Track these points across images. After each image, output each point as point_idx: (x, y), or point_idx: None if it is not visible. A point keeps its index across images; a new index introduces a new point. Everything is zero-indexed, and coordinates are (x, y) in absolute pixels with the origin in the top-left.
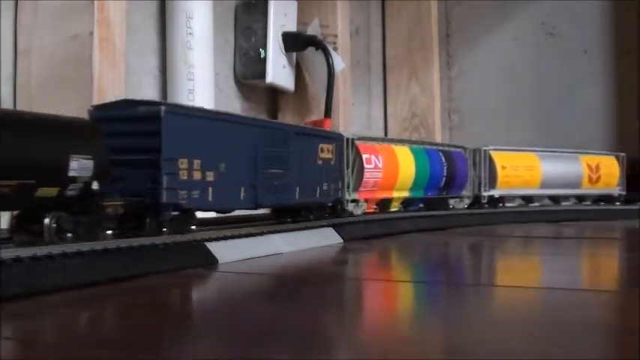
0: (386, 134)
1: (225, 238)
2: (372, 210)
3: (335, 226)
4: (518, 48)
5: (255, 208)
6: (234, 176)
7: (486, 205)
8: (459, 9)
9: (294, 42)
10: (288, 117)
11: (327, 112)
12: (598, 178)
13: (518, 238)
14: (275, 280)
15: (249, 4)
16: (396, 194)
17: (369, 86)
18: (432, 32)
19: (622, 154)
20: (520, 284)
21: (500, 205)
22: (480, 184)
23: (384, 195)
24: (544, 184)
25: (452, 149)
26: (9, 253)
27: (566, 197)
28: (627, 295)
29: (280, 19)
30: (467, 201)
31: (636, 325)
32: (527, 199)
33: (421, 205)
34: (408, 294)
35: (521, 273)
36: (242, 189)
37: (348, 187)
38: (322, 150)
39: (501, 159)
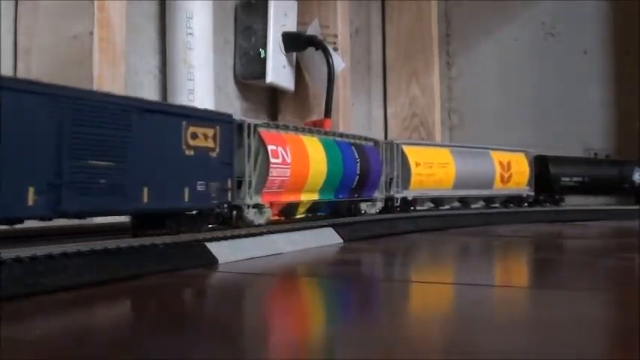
0: (386, 134)
1: (225, 238)
2: (276, 217)
3: (335, 226)
4: (518, 48)
5: (60, 217)
6: (14, 171)
7: (398, 209)
8: (459, 9)
9: (294, 42)
10: (288, 117)
11: (327, 112)
12: (509, 177)
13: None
14: (275, 280)
15: (249, 4)
16: (304, 197)
17: (369, 86)
18: (432, 32)
19: (531, 150)
20: None
21: (412, 208)
22: (390, 184)
23: (290, 198)
24: (456, 184)
25: (364, 142)
26: (9, 253)
27: (476, 199)
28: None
29: (280, 19)
30: (379, 205)
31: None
32: (438, 201)
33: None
34: (409, 293)
35: None
36: (31, 190)
37: (250, 188)
38: (193, 135)
39: (414, 155)
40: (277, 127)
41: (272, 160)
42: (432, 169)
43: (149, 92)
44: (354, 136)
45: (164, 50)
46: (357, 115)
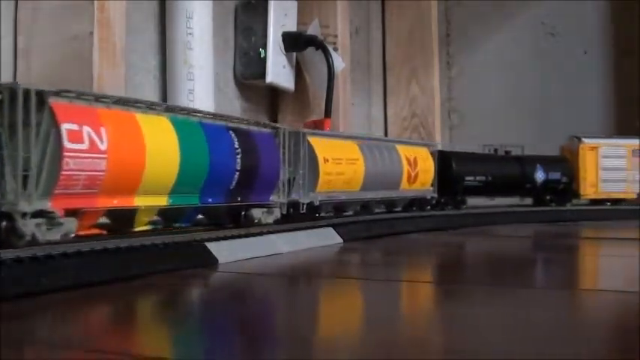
0: (386, 134)
1: (225, 238)
2: (89, 231)
3: (335, 226)
4: (518, 48)
5: None
6: None
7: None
8: (459, 9)
9: (294, 42)
10: (288, 117)
11: (327, 112)
12: (416, 176)
13: None
14: (275, 280)
15: (249, 4)
16: (141, 202)
17: (369, 86)
18: (432, 32)
19: (436, 143)
20: None
21: (317, 215)
22: (291, 185)
23: (115, 203)
24: (365, 185)
25: (254, 128)
26: (9, 253)
27: (381, 202)
28: None
29: (280, 19)
30: (277, 212)
31: None
32: (340, 207)
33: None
34: (405, 293)
35: None
36: None
37: (25, 187)
38: None
39: (323, 148)
40: (86, 97)
41: (67, 144)
42: (342, 166)
43: (149, 92)
44: (237, 119)
45: (164, 50)
46: (357, 115)
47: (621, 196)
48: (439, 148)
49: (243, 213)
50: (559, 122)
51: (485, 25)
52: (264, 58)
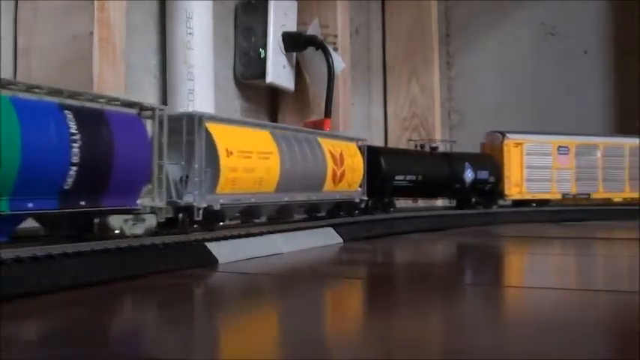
0: (386, 134)
1: (225, 238)
2: None
3: (335, 226)
4: (518, 48)
5: None
6: None
7: (195, 226)
8: (459, 9)
9: (294, 42)
10: (288, 117)
11: (327, 112)
12: (342, 175)
13: None
14: (275, 280)
15: (249, 4)
16: None
17: (369, 86)
18: (432, 32)
19: (363, 139)
20: None
21: (220, 224)
22: (183, 184)
23: None
24: (281, 186)
25: (109, 108)
26: (9, 253)
27: (299, 207)
28: None
29: (280, 19)
30: (151, 220)
31: None
32: (249, 212)
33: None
34: (404, 293)
35: None
36: None
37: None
38: None
39: (225, 137)
40: None
41: None
42: (251, 161)
43: (149, 92)
44: (80, 94)
45: (164, 50)
46: (357, 115)
47: (547, 196)
48: (368, 143)
49: (96, 221)
50: (559, 122)
51: (485, 25)
52: (264, 58)
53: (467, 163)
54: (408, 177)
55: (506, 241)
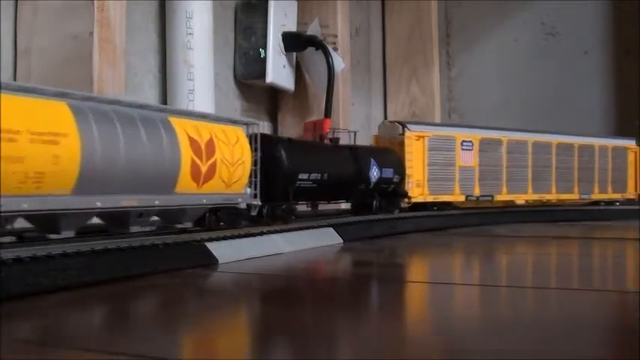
0: None
1: (225, 238)
2: None
3: (335, 226)
4: (518, 48)
5: None
6: None
7: None
8: (459, 9)
9: (294, 42)
10: (288, 117)
11: (327, 112)
12: (211, 171)
13: None
14: (275, 280)
15: (249, 4)
16: None
17: (369, 86)
18: (432, 32)
19: (253, 122)
20: None
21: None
22: None
23: None
24: (85, 185)
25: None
26: (9, 253)
27: (146, 214)
28: None
29: (280, 19)
30: None
31: None
32: (45, 221)
33: None
34: (403, 293)
35: None
36: None
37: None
38: None
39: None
40: None
41: None
42: (17, 146)
43: (149, 92)
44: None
45: (164, 50)
46: (357, 115)
47: (450, 198)
48: (265, 130)
49: None
50: (559, 122)
51: (485, 25)
52: (264, 58)
53: (372, 159)
54: (313, 176)
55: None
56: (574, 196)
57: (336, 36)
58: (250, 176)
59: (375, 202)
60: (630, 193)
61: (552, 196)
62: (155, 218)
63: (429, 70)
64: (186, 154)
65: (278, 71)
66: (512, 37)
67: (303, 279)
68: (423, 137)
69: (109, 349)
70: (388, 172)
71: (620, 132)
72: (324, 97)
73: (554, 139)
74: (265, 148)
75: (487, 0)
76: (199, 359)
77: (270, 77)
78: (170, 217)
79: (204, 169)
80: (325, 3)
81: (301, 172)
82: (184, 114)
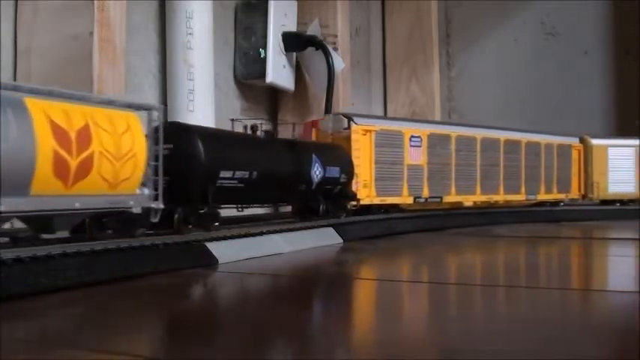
0: None
1: (225, 238)
2: None
3: (335, 226)
4: (518, 48)
5: None
6: None
7: None
8: (459, 9)
9: (294, 42)
10: (287, 117)
11: (327, 112)
12: (86, 166)
13: None
14: (275, 280)
15: (249, 4)
16: None
17: (369, 86)
18: (432, 32)
19: (153, 106)
20: None
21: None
22: None
23: None
24: None
25: None
26: (9, 253)
27: None
28: None
29: (280, 19)
30: None
31: None
32: None
33: None
34: (405, 293)
35: None
36: None
37: None
38: None
39: None
40: None
41: None
42: None
43: (149, 92)
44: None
45: (164, 50)
46: None
47: (396, 200)
48: (176, 119)
49: None
50: (559, 122)
51: (485, 25)
52: (264, 58)
53: (315, 156)
54: (239, 174)
55: None
56: (521, 197)
57: (336, 36)
58: (156, 174)
59: (321, 206)
60: (574, 193)
61: (500, 197)
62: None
63: (429, 70)
64: (46, 144)
65: (278, 71)
66: (512, 37)
67: (303, 279)
68: (369, 132)
69: (109, 349)
70: (334, 171)
71: (621, 132)
72: (324, 97)
73: (502, 135)
74: (177, 139)
75: (487, 0)
76: (199, 359)
77: (270, 77)
78: (35, 224)
79: (74, 164)
80: (325, 3)
81: (223, 170)
82: (51, 94)
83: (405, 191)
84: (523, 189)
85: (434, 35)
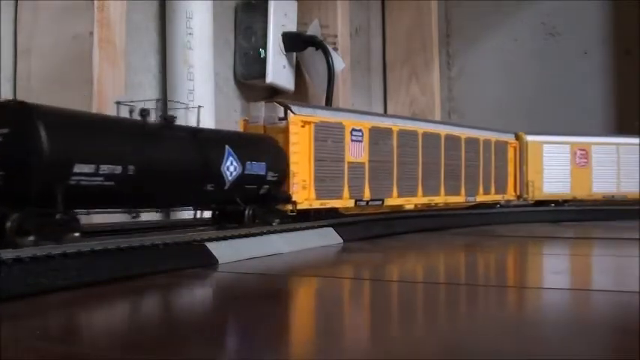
0: None
1: (225, 238)
2: None
3: (335, 226)
4: (518, 48)
5: None
6: None
7: None
8: (459, 9)
9: (294, 42)
10: None
11: None
12: None
13: None
14: (275, 280)
15: (249, 4)
16: None
17: (369, 86)
18: (432, 32)
19: None
20: None
21: None
22: None
23: None
24: None
25: None
26: (9, 253)
27: None
28: None
29: (280, 19)
30: None
31: None
32: None
33: None
34: (404, 293)
35: None
36: None
37: None
38: None
39: None
40: None
41: None
42: None
43: (149, 92)
44: None
45: (164, 50)
46: None
47: (337, 204)
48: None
49: None
50: (559, 122)
51: (485, 25)
52: (264, 58)
53: (228, 149)
54: (105, 169)
55: None
56: (461, 199)
57: (336, 36)
58: None
59: (247, 211)
60: (510, 194)
61: (441, 199)
62: None
63: (429, 70)
64: None
65: (278, 71)
66: (512, 37)
67: (302, 279)
68: (309, 124)
69: (108, 348)
70: (258, 168)
71: (620, 132)
72: (324, 97)
73: (443, 129)
74: (14, 122)
75: (487, 0)
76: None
77: (270, 77)
78: None
79: None
80: (325, 3)
81: (80, 163)
82: None
83: (347, 193)
84: (463, 190)
85: (434, 35)
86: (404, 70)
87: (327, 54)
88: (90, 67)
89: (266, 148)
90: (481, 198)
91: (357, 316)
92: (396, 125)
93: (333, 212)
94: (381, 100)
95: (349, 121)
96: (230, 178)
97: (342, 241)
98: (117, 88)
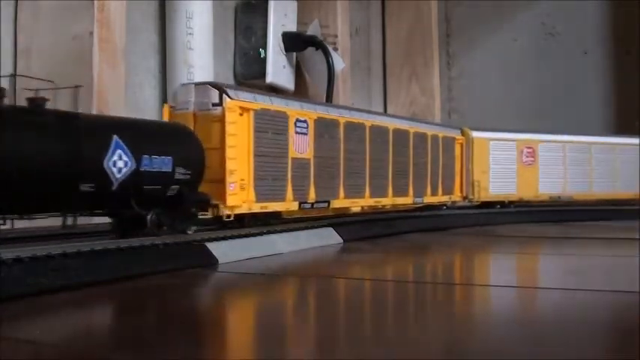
0: None
1: (225, 238)
2: None
3: (335, 226)
4: (518, 48)
5: None
6: None
7: None
8: (459, 9)
9: (294, 42)
10: None
11: None
12: None
13: None
14: (275, 280)
15: (249, 4)
16: None
17: (369, 86)
18: (432, 32)
19: None
20: None
21: None
22: None
23: None
24: None
25: None
26: (9, 253)
27: None
28: None
29: (280, 19)
30: None
31: None
32: None
33: None
34: (404, 293)
35: None
36: None
37: None
38: None
39: None
40: None
41: None
42: None
43: (149, 92)
44: None
45: (164, 50)
46: None
47: (280, 207)
48: None
49: None
50: (559, 122)
51: (485, 25)
52: (264, 58)
53: (116, 139)
54: None
55: None
56: (408, 200)
57: (336, 36)
58: None
59: (149, 216)
60: (456, 195)
61: (389, 201)
62: None
63: (429, 70)
64: None
65: (278, 71)
66: (512, 37)
67: (302, 279)
68: (247, 111)
69: (108, 348)
70: (160, 164)
71: (620, 132)
72: (324, 97)
73: (391, 122)
74: None
75: (487, 0)
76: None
77: (270, 77)
78: None
79: None
80: (325, 3)
81: None
82: None
83: (290, 195)
84: (411, 190)
85: (434, 35)
86: (404, 70)
87: (327, 54)
88: (90, 67)
89: (173, 138)
90: (429, 199)
91: (357, 316)
92: (343, 117)
93: (274, 217)
94: (381, 101)
95: (294, 110)
96: (118, 176)
97: (342, 240)
98: (117, 88)
